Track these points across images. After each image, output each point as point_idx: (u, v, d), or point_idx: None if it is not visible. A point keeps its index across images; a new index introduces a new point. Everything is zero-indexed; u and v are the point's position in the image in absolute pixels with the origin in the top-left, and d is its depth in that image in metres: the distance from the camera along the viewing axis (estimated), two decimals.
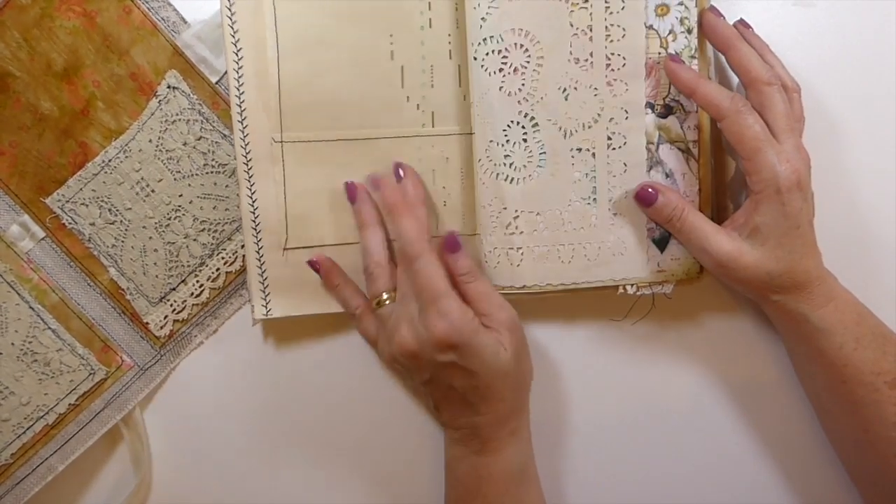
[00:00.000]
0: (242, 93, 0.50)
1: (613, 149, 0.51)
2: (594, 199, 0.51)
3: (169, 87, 0.51)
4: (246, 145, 0.50)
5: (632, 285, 0.52)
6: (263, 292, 0.51)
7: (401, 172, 0.49)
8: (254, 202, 0.51)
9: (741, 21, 0.52)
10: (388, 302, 0.49)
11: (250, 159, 0.50)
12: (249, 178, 0.50)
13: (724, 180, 0.54)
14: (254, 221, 0.51)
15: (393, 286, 0.49)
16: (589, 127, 0.51)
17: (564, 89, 0.50)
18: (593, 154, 0.51)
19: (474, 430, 0.48)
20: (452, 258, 0.48)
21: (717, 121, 0.48)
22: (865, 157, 0.55)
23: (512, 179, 0.51)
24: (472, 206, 0.52)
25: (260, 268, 0.51)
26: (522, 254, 0.51)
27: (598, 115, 0.51)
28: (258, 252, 0.51)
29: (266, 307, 0.51)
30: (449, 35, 0.51)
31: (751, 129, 0.47)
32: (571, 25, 0.50)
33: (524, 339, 0.50)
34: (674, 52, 0.50)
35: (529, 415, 0.51)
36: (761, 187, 0.47)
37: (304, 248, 0.52)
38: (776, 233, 0.47)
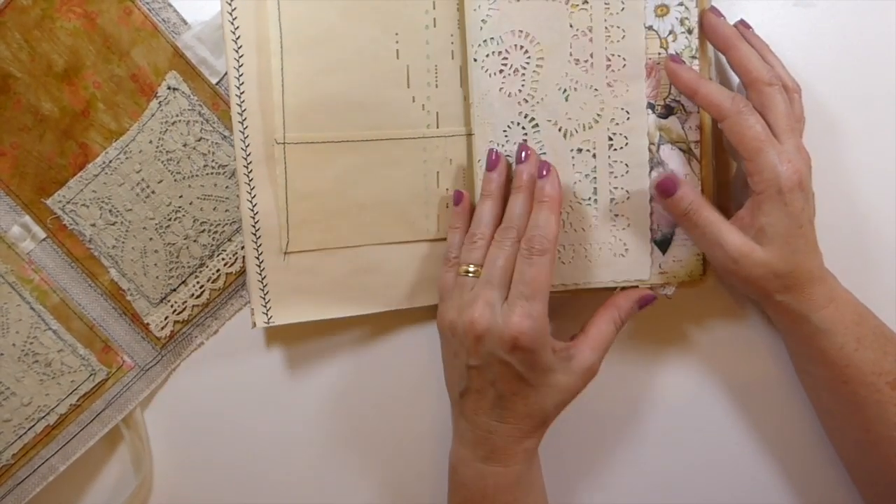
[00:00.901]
0: (242, 93, 0.49)
1: (615, 149, 0.51)
2: (595, 199, 0.51)
3: (169, 88, 0.51)
4: (246, 147, 0.50)
5: (634, 287, 0.52)
6: (264, 299, 0.51)
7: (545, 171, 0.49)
8: (254, 206, 0.50)
9: (741, 21, 0.52)
10: (472, 275, 0.48)
11: (250, 161, 0.50)
12: (249, 180, 0.50)
13: (725, 180, 0.54)
14: (254, 226, 0.50)
15: (483, 263, 0.48)
16: (589, 127, 0.51)
17: (565, 90, 0.50)
18: (594, 155, 0.51)
19: (489, 435, 0.48)
20: (632, 307, 0.50)
21: (718, 121, 0.48)
22: (865, 157, 0.55)
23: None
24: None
25: (260, 273, 0.51)
26: None
27: (599, 115, 0.51)
28: (258, 258, 0.51)
29: (267, 314, 0.51)
30: (452, 35, 0.51)
31: (752, 129, 0.47)
32: (571, 26, 0.50)
33: (581, 389, 0.49)
34: (674, 53, 0.50)
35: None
36: (763, 187, 0.47)
37: (305, 251, 0.51)
38: (781, 232, 0.47)
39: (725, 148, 0.53)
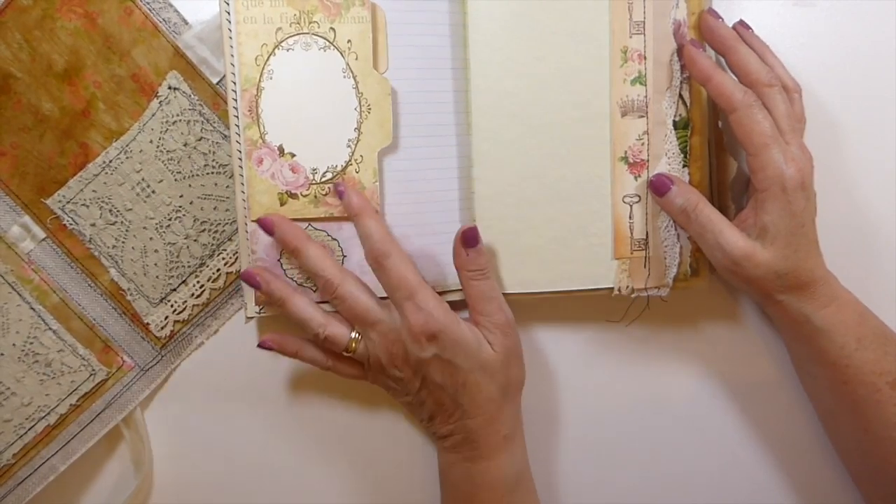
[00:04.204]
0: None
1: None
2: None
3: (170, 87, 0.51)
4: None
5: (627, 286, 0.52)
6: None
7: (341, 188, 0.49)
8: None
9: (741, 22, 0.52)
10: (358, 339, 0.49)
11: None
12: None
13: (725, 181, 0.54)
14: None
15: (351, 326, 0.49)
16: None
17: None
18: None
19: (466, 436, 0.48)
20: (472, 252, 0.48)
21: (727, 113, 0.48)
22: (866, 157, 0.55)
23: None
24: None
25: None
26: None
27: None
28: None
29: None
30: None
31: (760, 124, 0.47)
32: None
33: (517, 345, 0.50)
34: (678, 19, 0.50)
35: (523, 423, 0.51)
36: (767, 184, 0.47)
37: None
38: (784, 231, 0.47)
39: (725, 147, 0.53)
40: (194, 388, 0.54)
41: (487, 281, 0.49)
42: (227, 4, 0.48)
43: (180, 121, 0.51)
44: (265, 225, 0.49)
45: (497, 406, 0.48)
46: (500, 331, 0.48)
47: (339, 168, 0.50)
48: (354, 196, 0.49)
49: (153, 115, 0.51)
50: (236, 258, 0.53)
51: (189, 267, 0.53)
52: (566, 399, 0.56)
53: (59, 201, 0.52)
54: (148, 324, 0.53)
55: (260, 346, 0.50)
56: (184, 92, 0.51)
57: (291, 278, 0.51)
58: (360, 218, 0.48)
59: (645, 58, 0.51)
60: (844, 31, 0.55)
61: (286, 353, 0.50)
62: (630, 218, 0.52)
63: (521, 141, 0.51)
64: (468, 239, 0.48)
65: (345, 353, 0.49)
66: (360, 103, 0.50)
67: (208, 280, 0.53)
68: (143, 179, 0.52)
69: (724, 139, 0.53)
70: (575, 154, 0.51)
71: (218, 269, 0.53)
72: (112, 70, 0.51)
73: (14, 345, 0.52)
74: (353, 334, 0.49)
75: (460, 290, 0.51)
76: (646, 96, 0.51)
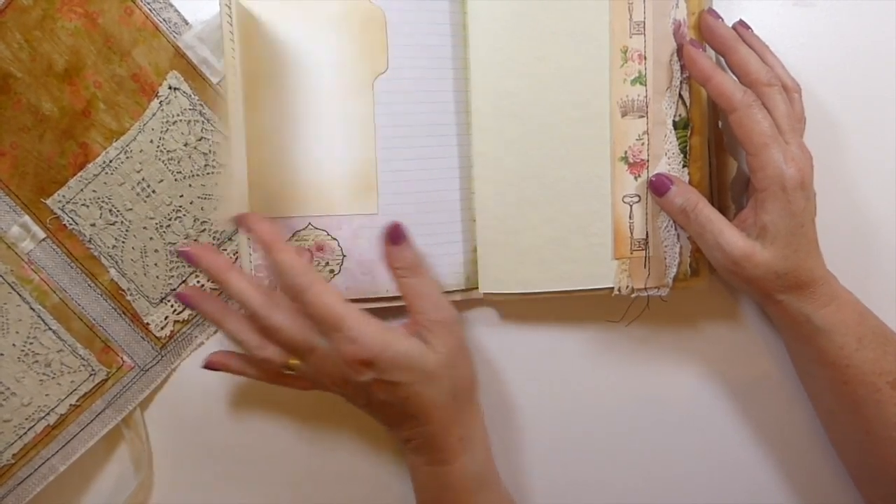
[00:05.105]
0: None
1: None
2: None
3: (170, 87, 0.51)
4: None
5: (627, 286, 0.52)
6: None
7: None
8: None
9: (741, 22, 0.52)
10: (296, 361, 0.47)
11: None
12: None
13: (725, 181, 0.54)
14: None
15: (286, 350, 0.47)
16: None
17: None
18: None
19: (426, 440, 0.48)
20: (395, 250, 0.47)
21: (727, 113, 0.48)
22: (866, 157, 0.55)
23: None
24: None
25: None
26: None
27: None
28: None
29: None
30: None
31: (760, 124, 0.47)
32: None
33: (462, 342, 0.49)
34: (678, 20, 0.50)
35: (482, 419, 0.50)
36: (766, 184, 0.47)
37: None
38: (784, 231, 0.47)
39: (725, 147, 0.53)
40: (194, 388, 0.54)
41: (418, 278, 0.47)
42: (227, 7, 0.48)
43: (181, 121, 0.51)
44: (187, 257, 0.47)
45: (449, 411, 0.47)
46: (441, 328, 0.47)
47: None
48: (266, 226, 0.46)
49: (153, 115, 0.51)
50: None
51: (189, 267, 0.53)
52: (566, 399, 0.56)
53: (59, 201, 0.52)
54: (148, 324, 0.53)
55: (205, 367, 0.50)
56: (184, 92, 0.51)
57: None
58: (271, 252, 0.45)
59: (645, 58, 0.51)
60: (844, 31, 0.55)
61: (231, 371, 0.50)
62: (630, 218, 0.52)
63: (521, 141, 0.51)
64: (392, 236, 0.47)
65: (286, 372, 0.47)
66: None
67: (208, 280, 0.53)
68: (143, 179, 0.52)
69: (724, 139, 0.53)
70: (575, 154, 0.51)
71: None
72: (112, 70, 0.51)
73: (14, 345, 0.52)
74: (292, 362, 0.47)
75: (461, 290, 0.51)
76: (646, 96, 0.51)
